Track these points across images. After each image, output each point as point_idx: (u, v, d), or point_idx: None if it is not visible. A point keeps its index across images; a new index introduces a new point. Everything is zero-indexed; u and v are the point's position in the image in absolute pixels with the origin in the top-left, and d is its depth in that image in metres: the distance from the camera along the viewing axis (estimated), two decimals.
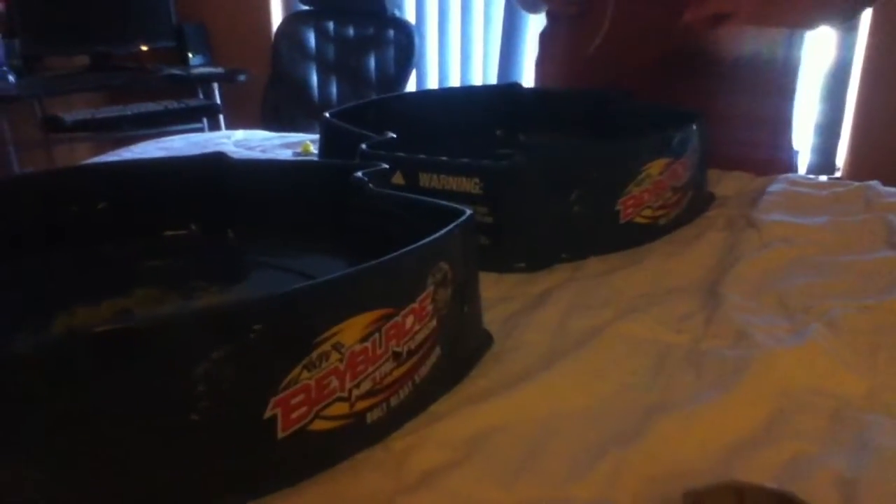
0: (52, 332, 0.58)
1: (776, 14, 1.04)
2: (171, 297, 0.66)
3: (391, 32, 2.76)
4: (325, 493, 0.45)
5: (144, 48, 3.01)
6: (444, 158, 0.76)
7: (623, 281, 0.75)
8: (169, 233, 0.75)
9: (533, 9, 1.36)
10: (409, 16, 2.90)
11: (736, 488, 0.41)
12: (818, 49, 2.46)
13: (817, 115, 2.56)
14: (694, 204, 0.91)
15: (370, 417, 0.49)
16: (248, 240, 0.75)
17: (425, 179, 0.76)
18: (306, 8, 2.89)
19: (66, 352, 0.38)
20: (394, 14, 2.76)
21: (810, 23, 1.15)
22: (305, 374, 0.44)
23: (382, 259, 0.48)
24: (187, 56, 3.06)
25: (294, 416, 0.44)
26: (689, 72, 1.12)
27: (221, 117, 2.96)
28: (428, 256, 0.52)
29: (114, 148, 1.35)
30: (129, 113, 2.72)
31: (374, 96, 2.55)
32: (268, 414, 0.43)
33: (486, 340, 0.62)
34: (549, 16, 1.32)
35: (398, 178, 0.77)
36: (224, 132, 1.59)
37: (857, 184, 1.00)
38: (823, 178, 1.60)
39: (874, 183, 1.00)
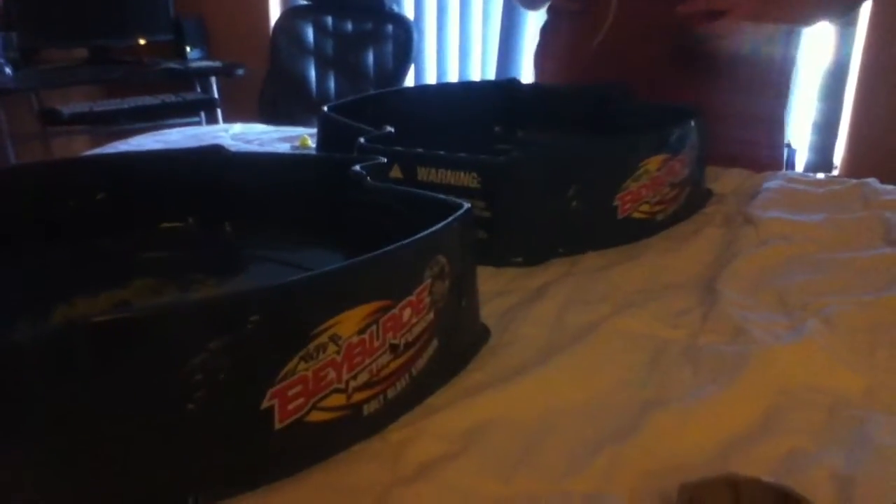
0: (50, 323, 0.58)
1: (774, 10, 1.04)
2: (169, 288, 0.66)
3: (389, 28, 2.76)
4: (322, 484, 0.45)
5: (142, 41, 3.01)
6: (441, 153, 0.76)
7: (620, 276, 0.75)
8: (166, 225, 0.75)
9: (532, 6, 1.35)
10: (408, 11, 2.89)
11: (732, 482, 0.41)
12: (816, 46, 2.45)
13: (815, 113, 2.56)
14: (692, 200, 0.91)
15: (367, 409, 0.49)
16: (245, 233, 0.75)
17: (423, 173, 0.76)
18: (305, 2, 2.89)
19: (65, 341, 0.38)
20: (392, 9, 2.76)
21: (808, 19, 1.15)
22: (302, 365, 0.44)
23: (380, 251, 0.48)
24: (185, 50, 3.05)
25: (291, 407, 0.44)
26: (688, 69, 1.12)
27: (219, 111, 2.95)
28: (425, 249, 0.52)
29: (111, 141, 1.35)
30: (126, 106, 2.71)
31: (372, 91, 2.55)
32: (265, 405, 0.43)
33: (483, 334, 0.62)
34: (550, 10, 1.31)
35: (396, 172, 0.77)
36: (222, 125, 1.59)
37: (854, 181, 1.00)
38: (821, 175, 1.60)
39: (871, 180, 1.00)
